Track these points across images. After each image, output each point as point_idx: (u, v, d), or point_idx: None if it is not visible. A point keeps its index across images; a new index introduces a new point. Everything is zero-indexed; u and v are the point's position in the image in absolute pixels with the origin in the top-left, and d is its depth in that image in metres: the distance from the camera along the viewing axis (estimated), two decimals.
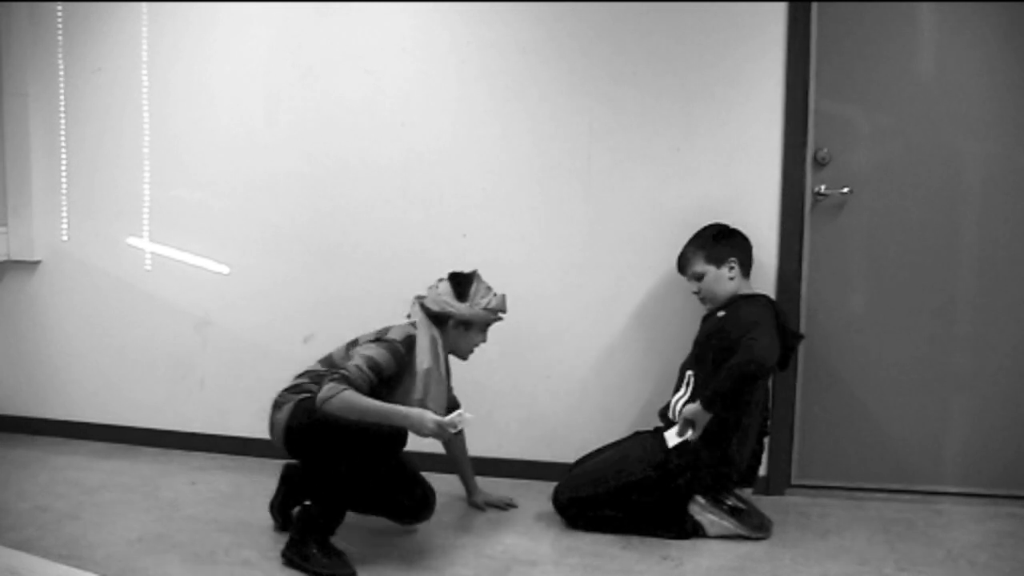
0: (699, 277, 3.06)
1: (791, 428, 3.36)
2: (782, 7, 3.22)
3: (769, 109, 3.26)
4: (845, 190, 3.29)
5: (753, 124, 3.28)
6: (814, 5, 3.23)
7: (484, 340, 2.94)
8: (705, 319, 3.12)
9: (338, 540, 2.70)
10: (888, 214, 3.31)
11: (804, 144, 3.27)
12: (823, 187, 3.30)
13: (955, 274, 3.30)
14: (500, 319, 2.92)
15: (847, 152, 3.31)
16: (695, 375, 2.99)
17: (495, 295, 2.88)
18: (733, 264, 3.05)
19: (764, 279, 3.27)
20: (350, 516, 2.72)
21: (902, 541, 2.94)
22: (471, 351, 2.93)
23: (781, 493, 3.35)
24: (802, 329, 3.31)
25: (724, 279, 3.04)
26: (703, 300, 3.10)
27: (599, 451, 3.20)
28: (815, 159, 3.31)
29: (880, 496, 3.32)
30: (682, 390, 3.01)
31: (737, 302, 3.03)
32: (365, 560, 2.75)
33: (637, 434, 3.17)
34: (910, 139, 3.28)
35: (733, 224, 3.12)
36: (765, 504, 3.15)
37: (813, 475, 3.40)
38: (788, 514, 3.16)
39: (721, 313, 3.03)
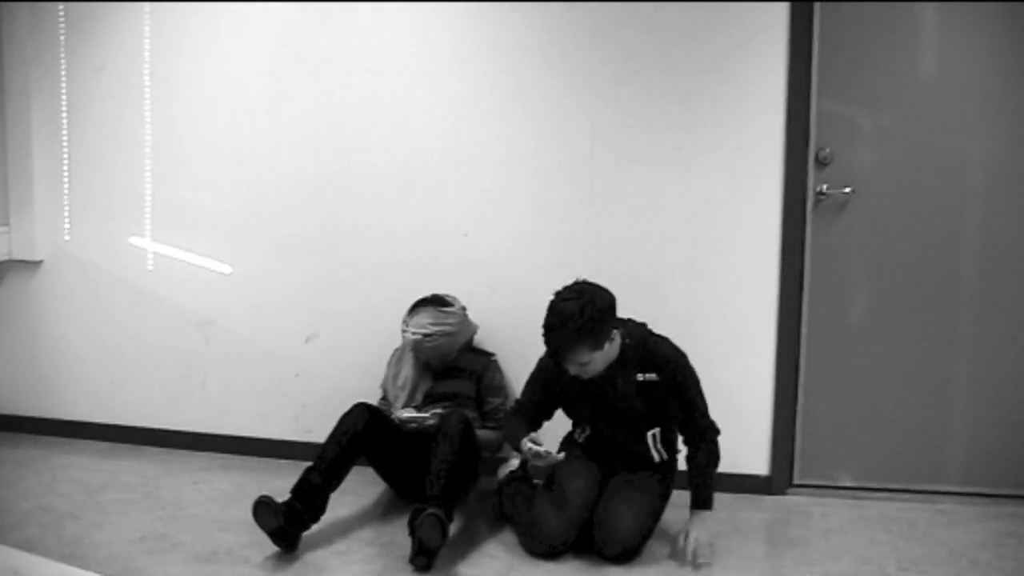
0: (585, 364, 2.75)
1: (793, 428, 3.36)
2: (784, 7, 3.22)
3: (771, 108, 3.26)
4: (847, 190, 3.29)
5: (755, 123, 3.28)
6: (816, 5, 3.23)
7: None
8: (607, 390, 2.84)
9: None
10: (890, 214, 3.31)
11: (806, 143, 3.27)
12: (825, 187, 3.30)
13: (957, 273, 3.30)
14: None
15: (849, 152, 3.30)
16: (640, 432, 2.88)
17: (412, 332, 3.26)
18: (615, 335, 2.77)
19: (766, 280, 3.28)
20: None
21: (904, 541, 2.94)
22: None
23: (783, 493, 3.35)
24: (804, 329, 3.32)
25: (610, 352, 2.78)
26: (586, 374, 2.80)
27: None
28: (817, 159, 3.30)
29: (882, 496, 3.31)
30: (649, 445, 2.90)
31: (638, 356, 2.81)
32: (367, 558, 2.77)
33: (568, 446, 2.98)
34: (912, 139, 3.28)
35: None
36: (767, 504, 3.15)
37: (815, 475, 3.40)
38: (790, 514, 3.16)
39: (648, 376, 2.80)
